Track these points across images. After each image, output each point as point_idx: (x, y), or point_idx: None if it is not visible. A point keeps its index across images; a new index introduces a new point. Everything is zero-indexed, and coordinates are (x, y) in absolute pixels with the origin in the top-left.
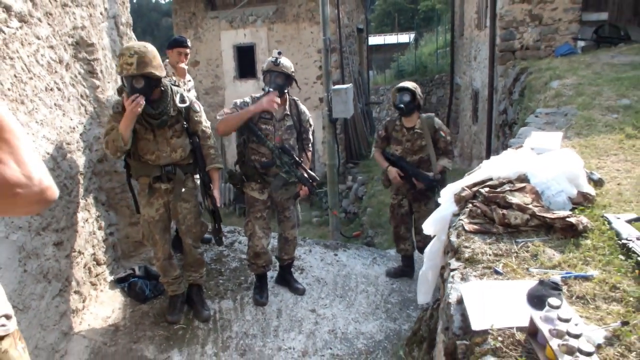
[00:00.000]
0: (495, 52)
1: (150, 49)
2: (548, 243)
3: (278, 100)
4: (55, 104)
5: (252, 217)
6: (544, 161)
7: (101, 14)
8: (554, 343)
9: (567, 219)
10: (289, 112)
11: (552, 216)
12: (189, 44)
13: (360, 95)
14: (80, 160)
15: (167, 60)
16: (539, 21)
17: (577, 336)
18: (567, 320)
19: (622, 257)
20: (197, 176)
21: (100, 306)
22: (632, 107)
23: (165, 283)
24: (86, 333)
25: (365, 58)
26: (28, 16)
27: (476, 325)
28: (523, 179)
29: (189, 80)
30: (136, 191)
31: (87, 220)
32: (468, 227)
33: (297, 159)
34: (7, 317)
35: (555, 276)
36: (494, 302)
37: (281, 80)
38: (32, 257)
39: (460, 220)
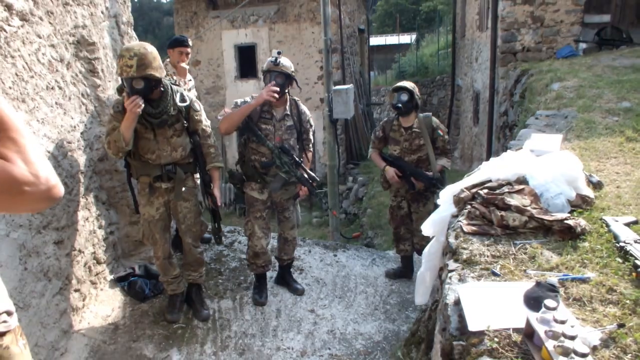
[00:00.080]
0: (496, 54)
1: (150, 50)
2: (546, 245)
3: (277, 89)
4: (56, 103)
5: (251, 217)
6: (543, 163)
7: (102, 13)
8: (550, 344)
9: (565, 221)
10: (289, 112)
11: (551, 218)
12: (190, 43)
13: (361, 96)
14: (80, 159)
15: (168, 60)
16: (540, 23)
17: (572, 338)
18: (563, 322)
19: (620, 260)
20: (198, 175)
21: (100, 305)
22: (632, 110)
23: (164, 282)
24: (86, 331)
25: (366, 59)
26: (29, 15)
27: (473, 326)
28: (522, 181)
29: (190, 80)
30: (136, 191)
31: (87, 219)
32: (466, 228)
33: (296, 159)
34: (9, 313)
35: (553, 278)
36: (491, 303)
37: (281, 80)
38: (32, 255)
39: (458, 221)
